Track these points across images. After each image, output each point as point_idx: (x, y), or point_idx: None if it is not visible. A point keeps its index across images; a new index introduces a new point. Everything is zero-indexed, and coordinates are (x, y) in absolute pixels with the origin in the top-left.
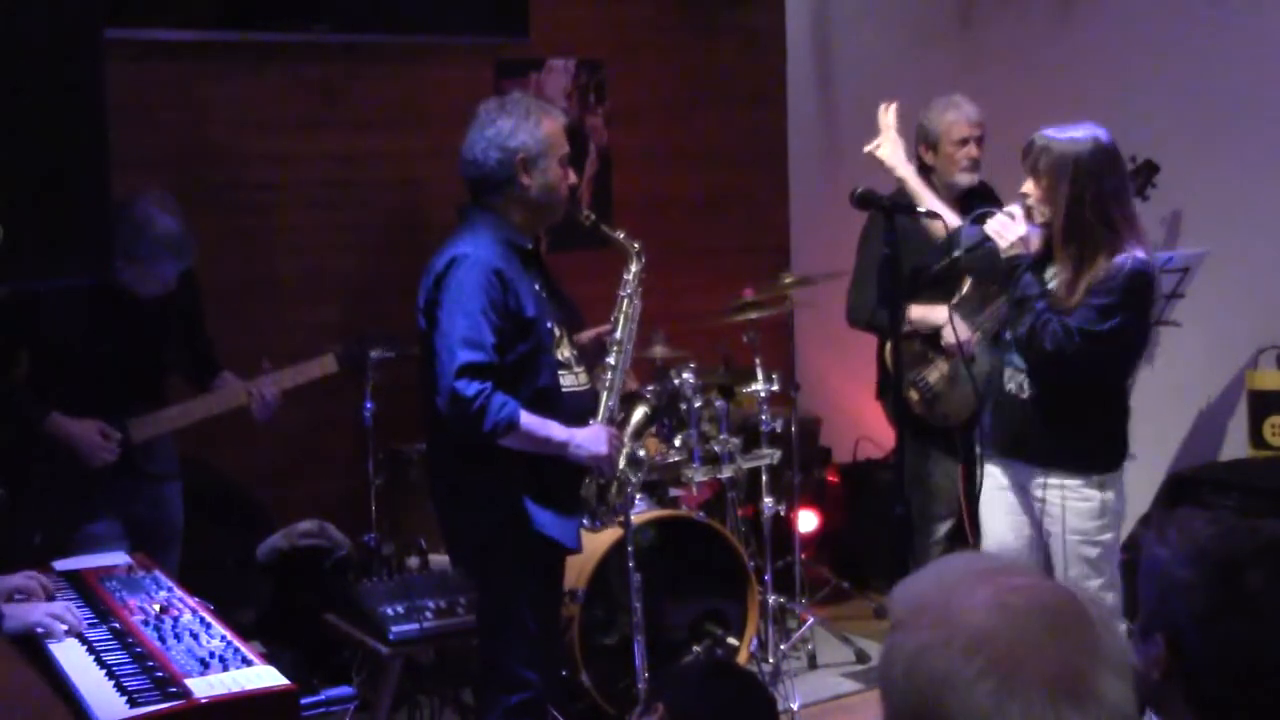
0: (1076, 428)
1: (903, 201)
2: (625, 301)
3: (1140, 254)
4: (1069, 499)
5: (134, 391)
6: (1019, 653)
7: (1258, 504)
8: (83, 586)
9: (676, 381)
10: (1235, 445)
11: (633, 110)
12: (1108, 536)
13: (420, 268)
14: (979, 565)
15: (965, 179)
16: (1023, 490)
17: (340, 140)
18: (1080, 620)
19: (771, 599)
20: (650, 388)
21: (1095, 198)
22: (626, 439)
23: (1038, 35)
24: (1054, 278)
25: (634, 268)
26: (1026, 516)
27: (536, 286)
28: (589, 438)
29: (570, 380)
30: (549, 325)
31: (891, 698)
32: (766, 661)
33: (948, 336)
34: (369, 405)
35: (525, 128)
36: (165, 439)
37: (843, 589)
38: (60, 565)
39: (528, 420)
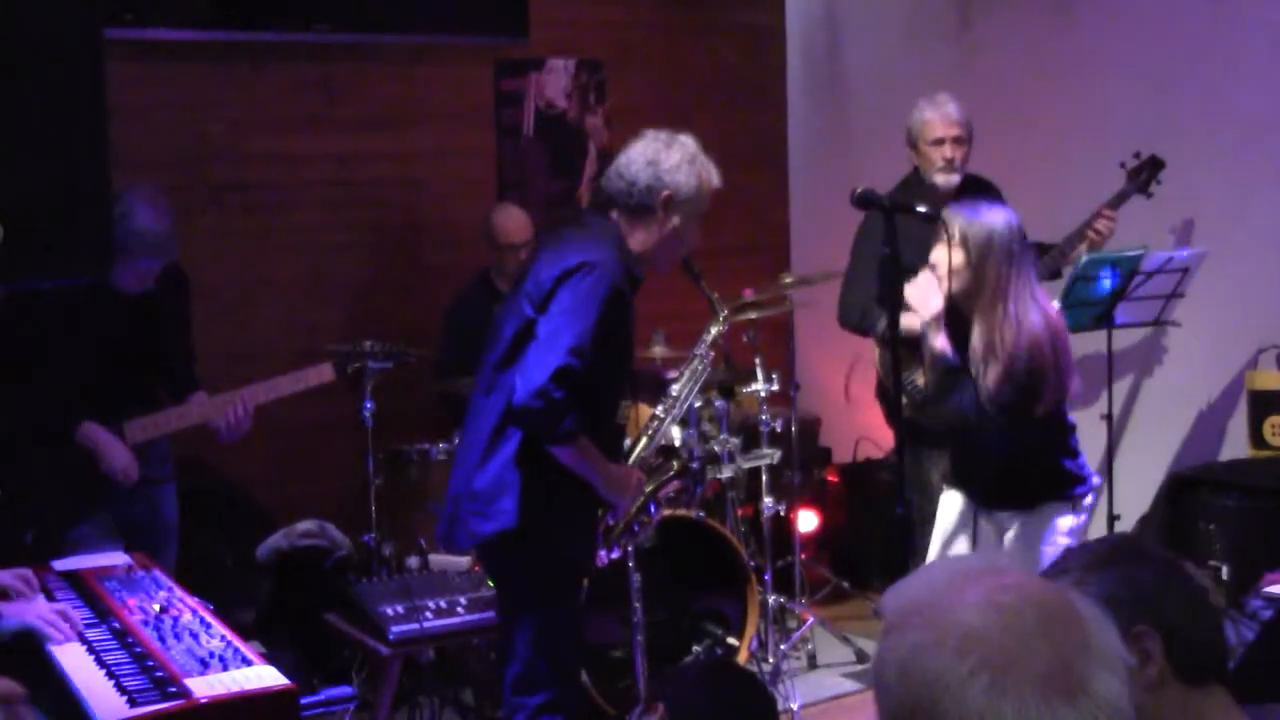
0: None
1: (902, 201)
2: (697, 360)
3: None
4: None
5: (130, 394)
6: (1011, 651)
7: (1257, 504)
8: (82, 586)
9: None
10: (1235, 445)
11: (633, 110)
12: None
13: (420, 268)
14: (969, 566)
15: (941, 179)
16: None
17: (340, 140)
18: (1072, 617)
19: (771, 599)
20: (690, 452)
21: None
22: (647, 488)
23: (1038, 35)
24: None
25: (714, 330)
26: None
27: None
28: (618, 481)
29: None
30: None
31: (886, 699)
32: (766, 661)
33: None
34: (369, 405)
35: (687, 171)
36: (161, 442)
37: (843, 589)
38: (60, 565)
39: (584, 440)
